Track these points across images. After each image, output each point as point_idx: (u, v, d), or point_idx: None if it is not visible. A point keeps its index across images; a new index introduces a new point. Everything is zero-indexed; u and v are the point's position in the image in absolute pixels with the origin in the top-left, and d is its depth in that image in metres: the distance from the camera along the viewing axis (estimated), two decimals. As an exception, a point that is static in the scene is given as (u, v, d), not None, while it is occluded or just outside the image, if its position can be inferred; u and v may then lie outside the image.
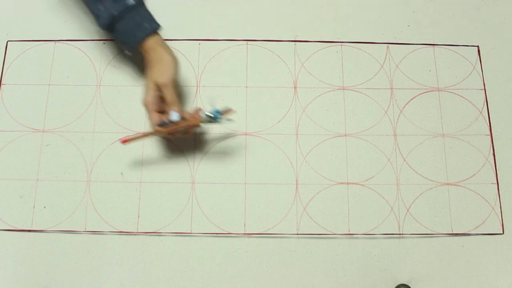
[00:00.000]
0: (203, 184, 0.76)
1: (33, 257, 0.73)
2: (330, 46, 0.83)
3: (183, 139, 0.77)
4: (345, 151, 0.78)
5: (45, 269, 0.72)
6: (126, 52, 0.78)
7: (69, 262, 0.72)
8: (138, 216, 0.74)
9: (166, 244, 0.73)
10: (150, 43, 0.72)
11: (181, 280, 0.72)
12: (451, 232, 0.75)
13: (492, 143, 0.79)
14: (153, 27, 0.72)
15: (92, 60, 0.81)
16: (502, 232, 0.75)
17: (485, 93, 0.81)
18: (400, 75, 0.82)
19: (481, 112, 0.81)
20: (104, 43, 0.82)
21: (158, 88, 0.70)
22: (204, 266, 0.73)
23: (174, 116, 0.69)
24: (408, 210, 0.75)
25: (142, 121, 0.78)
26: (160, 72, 0.70)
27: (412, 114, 0.80)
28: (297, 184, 0.76)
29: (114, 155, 0.77)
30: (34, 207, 0.75)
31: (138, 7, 0.72)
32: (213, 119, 0.68)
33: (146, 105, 0.70)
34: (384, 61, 0.83)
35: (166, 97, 0.70)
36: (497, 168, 0.78)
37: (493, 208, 0.76)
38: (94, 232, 0.73)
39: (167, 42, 0.82)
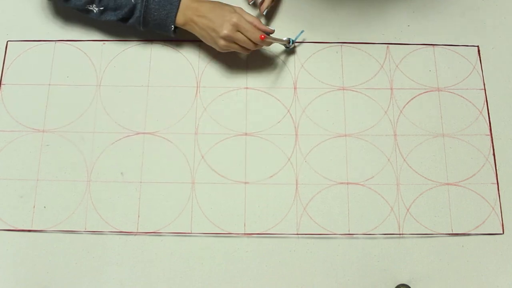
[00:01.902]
0: (203, 184, 0.76)
1: (33, 257, 0.73)
2: (330, 46, 0.83)
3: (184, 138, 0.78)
4: (345, 151, 0.78)
5: (45, 269, 0.72)
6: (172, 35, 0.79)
7: (69, 262, 0.72)
8: (138, 216, 0.74)
9: (166, 244, 0.73)
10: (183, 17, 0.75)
11: (181, 280, 0.72)
12: (451, 232, 0.75)
13: (492, 143, 0.79)
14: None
15: (92, 60, 0.81)
16: (502, 232, 0.75)
17: (485, 93, 0.81)
18: (400, 75, 0.82)
19: (481, 112, 0.81)
20: (104, 43, 0.82)
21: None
22: (204, 266, 0.73)
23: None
24: (408, 210, 0.75)
25: (142, 121, 0.78)
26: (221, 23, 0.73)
27: (412, 114, 0.80)
28: (297, 184, 0.76)
29: (114, 155, 0.77)
30: (34, 207, 0.75)
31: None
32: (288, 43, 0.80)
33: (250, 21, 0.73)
34: (384, 61, 0.83)
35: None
36: (497, 168, 0.78)
37: (493, 208, 0.76)
38: (94, 232, 0.73)
39: (168, 42, 0.82)
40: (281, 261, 0.73)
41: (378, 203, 0.76)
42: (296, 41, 0.81)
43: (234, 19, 0.72)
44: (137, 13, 0.75)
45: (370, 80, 0.82)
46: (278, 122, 0.79)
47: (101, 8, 0.76)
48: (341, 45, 0.83)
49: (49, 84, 0.80)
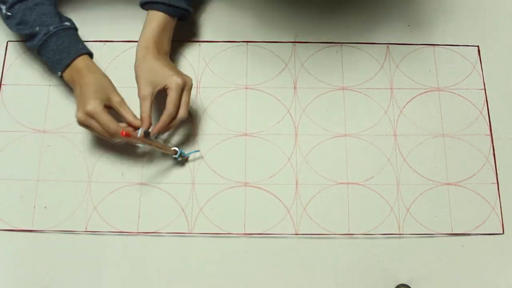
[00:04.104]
0: (203, 184, 0.76)
1: (33, 257, 0.73)
2: (330, 46, 0.83)
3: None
4: (345, 151, 0.78)
5: (45, 269, 0.72)
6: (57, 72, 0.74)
7: (69, 262, 0.72)
8: (139, 217, 0.74)
9: (166, 244, 0.73)
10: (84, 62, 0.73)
11: (181, 280, 0.72)
12: (451, 232, 0.75)
13: (492, 143, 0.79)
14: (87, 50, 0.75)
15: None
16: (502, 232, 0.75)
17: (485, 93, 0.81)
18: (400, 75, 0.82)
19: (481, 112, 0.81)
20: (104, 44, 0.82)
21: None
22: (204, 266, 0.73)
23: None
24: (408, 210, 0.75)
25: (142, 122, 0.78)
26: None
27: (412, 114, 0.80)
28: (297, 184, 0.76)
29: (114, 156, 0.77)
30: (34, 207, 0.75)
31: (74, 31, 0.76)
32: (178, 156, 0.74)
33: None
34: (384, 61, 0.83)
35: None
36: (497, 168, 0.78)
37: (493, 208, 0.76)
38: (94, 232, 0.74)
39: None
40: (281, 261, 0.73)
41: (378, 203, 0.76)
42: (187, 156, 0.75)
43: (89, 107, 0.67)
44: (35, 41, 0.73)
45: (370, 80, 0.82)
46: (278, 122, 0.79)
47: (8, 14, 0.73)
48: (341, 45, 0.83)
49: (50, 85, 0.80)
